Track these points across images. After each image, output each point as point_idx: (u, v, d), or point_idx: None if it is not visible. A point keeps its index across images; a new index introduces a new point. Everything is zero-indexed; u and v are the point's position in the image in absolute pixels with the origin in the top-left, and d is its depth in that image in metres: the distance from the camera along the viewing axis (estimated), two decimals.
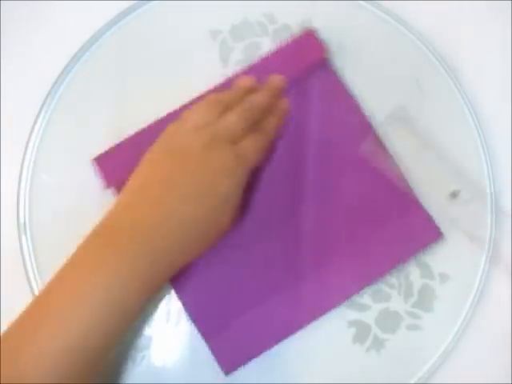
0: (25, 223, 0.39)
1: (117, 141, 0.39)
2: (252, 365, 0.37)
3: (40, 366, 0.28)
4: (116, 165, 0.38)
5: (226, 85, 0.39)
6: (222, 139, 0.33)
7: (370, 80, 0.41)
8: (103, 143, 0.39)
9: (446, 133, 0.40)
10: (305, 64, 0.40)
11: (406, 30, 0.41)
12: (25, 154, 0.39)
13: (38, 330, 0.29)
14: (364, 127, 0.39)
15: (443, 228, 0.39)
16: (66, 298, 0.30)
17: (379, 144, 0.39)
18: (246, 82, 0.37)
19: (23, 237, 0.39)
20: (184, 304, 0.38)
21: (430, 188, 0.39)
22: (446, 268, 0.39)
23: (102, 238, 0.31)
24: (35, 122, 0.40)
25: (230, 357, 0.37)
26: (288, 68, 0.39)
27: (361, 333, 0.38)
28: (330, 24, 0.41)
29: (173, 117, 0.36)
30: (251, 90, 0.37)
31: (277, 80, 0.37)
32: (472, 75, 0.41)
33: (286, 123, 0.38)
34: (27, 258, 0.38)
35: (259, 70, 0.39)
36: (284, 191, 0.39)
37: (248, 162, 0.34)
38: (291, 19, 0.41)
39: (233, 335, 0.37)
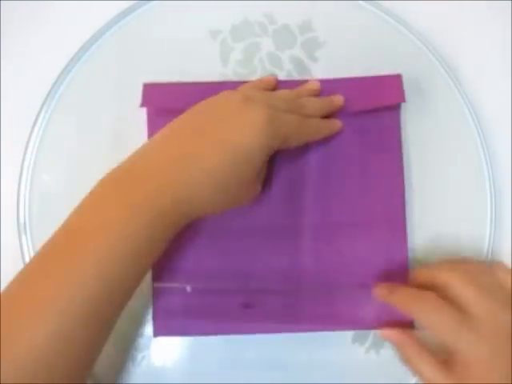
0: (25, 223, 0.39)
1: (116, 140, 0.39)
2: (250, 365, 0.38)
3: (54, 304, 0.28)
4: (159, 97, 0.39)
5: (290, 84, 0.40)
6: (261, 100, 0.34)
7: None
8: (103, 143, 0.39)
9: (446, 133, 0.40)
10: (379, 102, 0.39)
11: (405, 30, 0.41)
12: (25, 153, 0.39)
13: (54, 265, 0.29)
14: (395, 185, 0.39)
15: (445, 221, 0.39)
16: (85, 227, 0.30)
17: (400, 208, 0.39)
18: (315, 85, 0.40)
19: (23, 237, 0.39)
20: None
21: (431, 185, 0.40)
22: None
23: (126, 172, 0.32)
24: (35, 122, 0.40)
25: (167, 322, 0.37)
26: (360, 97, 0.39)
27: (360, 333, 0.38)
28: (330, 24, 0.41)
29: (233, 84, 0.38)
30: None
31: (340, 100, 0.39)
32: (472, 75, 0.41)
33: (324, 139, 0.38)
34: (27, 258, 0.38)
35: (334, 85, 0.40)
36: (289, 204, 0.39)
37: (280, 129, 0.33)
38: (291, 19, 0.41)
39: (181, 305, 0.37)
